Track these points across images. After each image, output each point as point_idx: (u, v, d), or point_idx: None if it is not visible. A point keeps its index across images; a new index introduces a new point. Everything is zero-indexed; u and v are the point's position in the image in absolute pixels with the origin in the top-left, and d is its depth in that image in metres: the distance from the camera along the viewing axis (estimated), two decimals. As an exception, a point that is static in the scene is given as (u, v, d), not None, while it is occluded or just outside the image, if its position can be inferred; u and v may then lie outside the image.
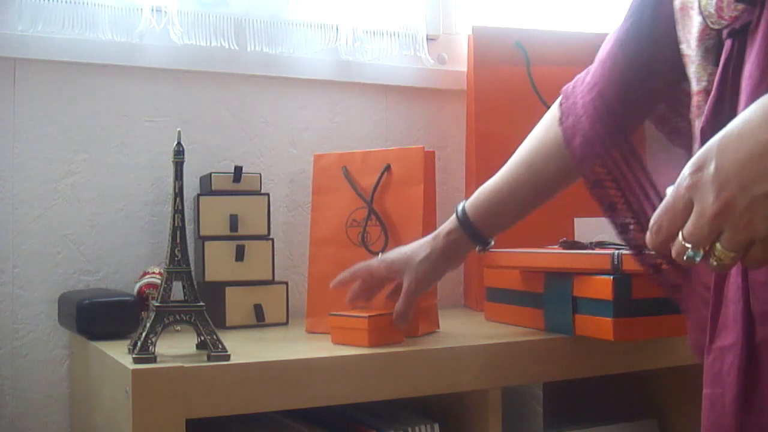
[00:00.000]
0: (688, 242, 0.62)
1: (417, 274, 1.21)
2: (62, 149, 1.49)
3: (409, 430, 1.22)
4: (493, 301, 1.45)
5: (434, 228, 1.36)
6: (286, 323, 1.44)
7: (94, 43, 1.49)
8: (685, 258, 0.63)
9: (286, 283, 1.46)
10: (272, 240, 1.45)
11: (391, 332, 1.21)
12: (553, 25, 1.90)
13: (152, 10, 1.50)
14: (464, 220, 1.20)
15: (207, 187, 1.46)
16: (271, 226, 1.47)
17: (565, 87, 1.14)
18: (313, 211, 1.44)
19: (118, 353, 1.11)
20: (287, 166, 1.66)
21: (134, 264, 1.51)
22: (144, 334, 1.05)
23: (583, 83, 1.09)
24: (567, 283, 1.25)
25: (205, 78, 1.60)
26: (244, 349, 1.15)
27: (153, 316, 1.07)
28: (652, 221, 0.65)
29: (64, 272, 1.48)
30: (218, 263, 1.41)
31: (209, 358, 1.05)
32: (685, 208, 0.63)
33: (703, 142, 0.71)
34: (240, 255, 1.41)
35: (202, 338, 1.09)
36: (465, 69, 1.78)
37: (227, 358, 1.05)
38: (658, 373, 1.38)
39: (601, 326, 1.19)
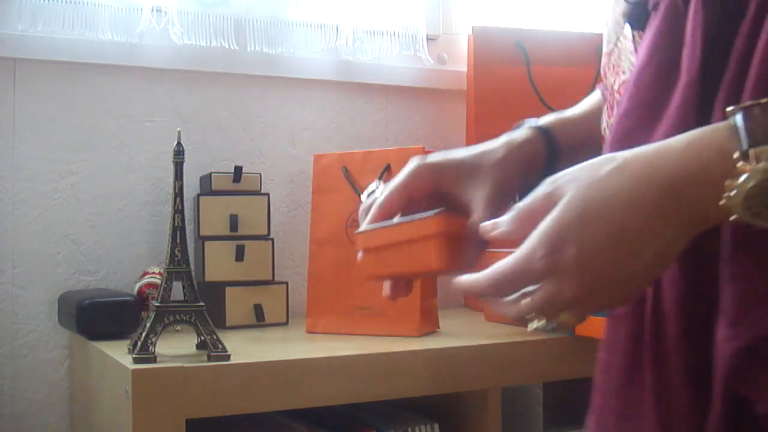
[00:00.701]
0: (536, 311, 0.60)
1: (498, 178, 0.79)
2: (62, 149, 1.49)
3: (409, 430, 1.22)
4: (493, 301, 1.45)
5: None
6: (286, 323, 1.44)
7: (94, 43, 1.49)
8: (535, 327, 0.62)
9: (286, 283, 1.46)
10: (272, 240, 1.45)
11: (465, 250, 0.73)
12: (553, 25, 1.90)
13: (152, 10, 1.51)
14: (545, 130, 0.86)
15: (207, 187, 1.46)
16: (271, 226, 1.47)
17: None
18: (313, 211, 1.44)
19: (118, 353, 1.11)
20: (287, 166, 1.66)
21: (134, 264, 1.51)
22: (144, 334, 1.05)
23: None
24: (567, 283, 1.25)
25: (205, 78, 1.60)
26: (244, 349, 1.15)
27: (153, 316, 1.07)
28: (489, 276, 0.61)
29: (64, 272, 1.48)
30: (218, 263, 1.41)
31: (209, 358, 1.05)
32: (534, 280, 0.59)
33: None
34: (240, 255, 1.41)
35: (202, 338, 1.09)
36: (465, 69, 1.78)
37: (227, 358, 1.05)
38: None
39: (601, 326, 1.19)
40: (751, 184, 0.52)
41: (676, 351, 0.62)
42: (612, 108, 0.80)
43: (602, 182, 0.57)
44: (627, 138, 0.65)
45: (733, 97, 0.58)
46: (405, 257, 0.71)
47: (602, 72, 0.83)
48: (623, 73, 0.79)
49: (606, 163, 0.57)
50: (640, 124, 0.65)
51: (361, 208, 0.78)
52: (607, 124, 0.81)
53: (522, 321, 0.62)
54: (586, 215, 0.57)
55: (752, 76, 0.58)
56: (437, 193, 0.76)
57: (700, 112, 0.61)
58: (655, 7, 0.70)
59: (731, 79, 0.60)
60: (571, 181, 0.58)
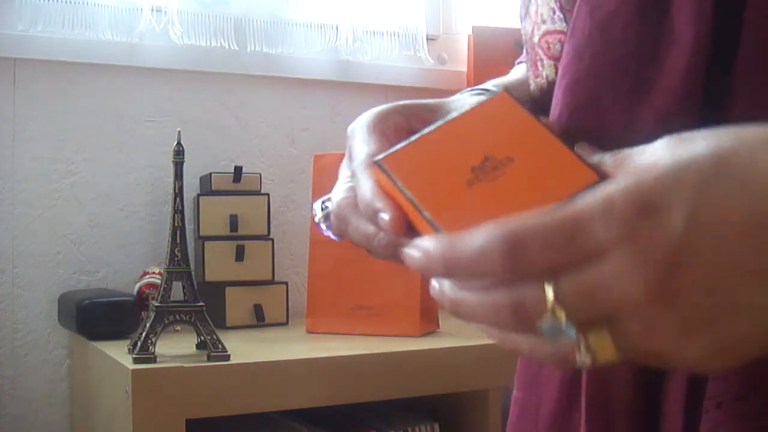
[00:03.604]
0: (566, 306, 0.35)
1: None
2: (62, 149, 1.49)
3: (409, 430, 1.22)
4: (493, 301, 1.45)
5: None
6: (286, 323, 1.44)
7: (94, 43, 1.49)
8: (545, 326, 0.36)
9: (286, 283, 1.46)
10: (272, 240, 1.45)
11: None
12: (553, 25, 1.90)
13: (152, 10, 1.50)
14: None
15: (207, 187, 1.46)
16: (271, 226, 1.47)
17: None
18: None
19: (118, 353, 1.11)
20: (287, 166, 1.66)
21: (134, 264, 1.51)
22: (144, 334, 1.05)
23: None
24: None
25: (205, 78, 1.60)
26: (244, 349, 1.15)
27: (153, 316, 1.07)
28: (502, 233, 0.36)
29: (64, 272, 1.48)
30: (218, 263, 1.41)
31: (209, 358, 1.05)
32: (585, 248, 0.35)
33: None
34: (240, 255, 1.41)
35: (202, 338, 1.09)
36: (465, 69, 1.78)
37: (227, 358, 1.05)
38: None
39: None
40: None
41: (622, 395, 0.47)
42: (536, 66, 0.62)
43: (747, 141, 0.36)
44: (593, 106, 0.49)
45: (760, 62, 0.43)
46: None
47: (520, 20, 0.66)
48: (543, 22, 0.62)
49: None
50: (613, 90, 0.49)
51: (338, 202, 0.52)
52: (537, 84, 0.63)
53: (531, 324, 0.36)
54: (718, 173, 0.35)
55: None
56: (408, 132, 0.51)
57: (706, 83, 0.45)
58: None
59: (753, 35, 0.44)
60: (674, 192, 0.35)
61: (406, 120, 0.55)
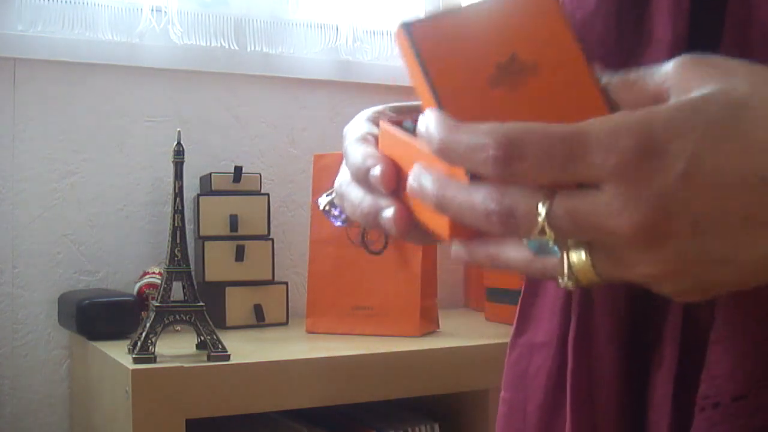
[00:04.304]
0: (555, 228, 0.35)
1: None
2: (62, 149, 1.49)
3: (409, 430, 1.22)
4: (494, 301, 1.45)
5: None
6: (286, 323, 1.44)
7: (94, 43, 1.49)
8: (532, 244, 0.37)
9: (286, 283, 1.46)
10: (272, 240, 1.45)
11: None
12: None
13: (152, 10, 1.51)
14: None
15: (207, 187, 1.46)
16: (271, 226, 1.47)
17: None
18: (313, 211, 1.44)
19: (118, 353, 1.11)
20: (287, 166, 1.66)
21: (134, 264, 1.51)
22: (144, 334, 1.05)
23: None
24: (567, 283, 1.25)
25: (205, 78, 1.60)
26: (244, 349, 1.15)
27: (153, 316, 1.07)
28: (504, 129, 0.36)
29: (64, 272, 1.48)
30: (218, 263, 1.41)
31: (209, 358, 1.05)
32: (581, 170, 0.35)
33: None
34: (240, 255, 1.41)
35: (202, 338, 1.09)
36: (465, 69, 1.78)
37: (227, 358, 1.05)
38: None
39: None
40: None
41: (608, 388, 0.49)
42: None
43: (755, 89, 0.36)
44: None
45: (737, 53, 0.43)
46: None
47: None
48: None
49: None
50: None
51: (339, 182, 0.49)
52: None
53: (519, 240, 0.37)
54: (720, 121, 0.35)
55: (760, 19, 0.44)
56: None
57: None
58: None
59: (733, 35, 0.45)
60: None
61: (399, 117, 0.56)
